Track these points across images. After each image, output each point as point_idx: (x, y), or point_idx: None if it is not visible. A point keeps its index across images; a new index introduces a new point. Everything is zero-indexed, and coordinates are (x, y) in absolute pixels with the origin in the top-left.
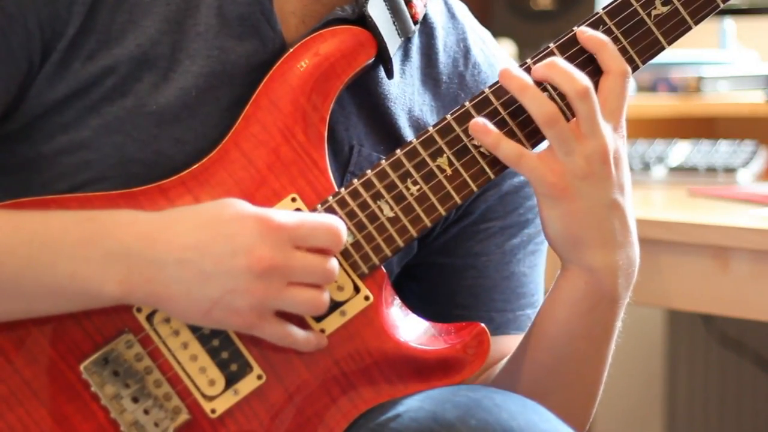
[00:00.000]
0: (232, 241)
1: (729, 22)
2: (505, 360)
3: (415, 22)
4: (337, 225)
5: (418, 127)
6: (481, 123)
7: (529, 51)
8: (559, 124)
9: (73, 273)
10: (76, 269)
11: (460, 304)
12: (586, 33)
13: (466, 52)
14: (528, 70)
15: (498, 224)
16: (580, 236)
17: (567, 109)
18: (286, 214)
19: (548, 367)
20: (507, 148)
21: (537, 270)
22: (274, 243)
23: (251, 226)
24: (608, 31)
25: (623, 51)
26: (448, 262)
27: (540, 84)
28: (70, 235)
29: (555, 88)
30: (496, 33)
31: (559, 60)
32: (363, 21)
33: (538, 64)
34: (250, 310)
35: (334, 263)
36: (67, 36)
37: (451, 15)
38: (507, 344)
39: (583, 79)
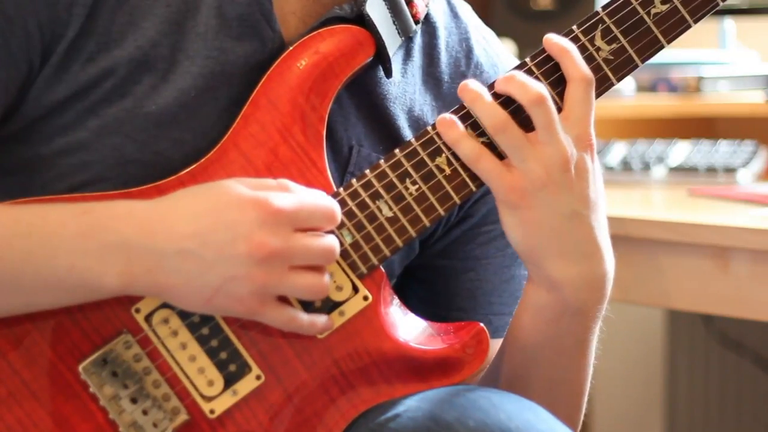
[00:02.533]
0: (231, 228)
1: (729, 22)
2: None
3: (417, 22)
4: (332, 204)
5: (418, 126)
6: (448, 118)
7: (529, 51)
8: (508, 131)
9: (72, 266)
10: (75, 262)
11: (459, 306)
12: (550, 40)
13: (469, 52)
14: (529, 71)
15: (500, 227)
16: (538, 246)
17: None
18: (284, 196)
19: (518, 371)
20: (466, 147)
21: None
22: (273, 228)
23: (250, 212)
24: (607, 30)
25: (623, 50)
26: (448, 265)
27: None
28: (67, 228)
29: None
30: (496, 33)
31: (517, 73)
32: (362, 20)
33: (499, 80)
34: (252, 297)
35: (333, 242)
36: (66, 38)
37: (454, 14)
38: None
39: (536, 87)
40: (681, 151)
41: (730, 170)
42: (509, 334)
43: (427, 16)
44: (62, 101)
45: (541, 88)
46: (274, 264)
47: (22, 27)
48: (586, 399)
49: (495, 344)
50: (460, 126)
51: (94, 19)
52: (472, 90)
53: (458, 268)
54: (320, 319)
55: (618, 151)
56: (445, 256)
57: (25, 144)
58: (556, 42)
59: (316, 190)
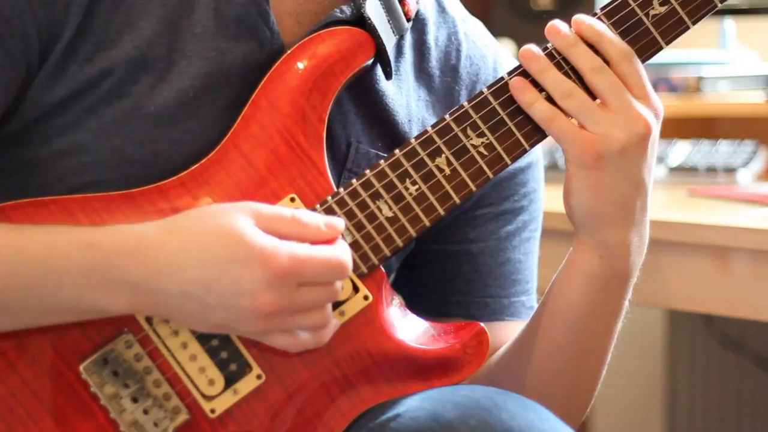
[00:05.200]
0: (236, 283)
1: (729, 22)
2: (503, 347)
3: (408, 20)
4: (343, 258)
5: (415, 122)
6: (521, 81)
7: None
8: (574, 96)
9: (78, 297)
10: (81, 294)
11: (455, 290)
12: (582, 24)
13: (458, 45)
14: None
15: (493, 210)
16: (604, 211)
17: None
18: (293, 251)
19: (560, 345)
20: (541, 109)
21: (531, 257)
22: (279, 288)
23: (257, 269)
24: None
25: None
26: (443, 249)
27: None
28: (73, 262)
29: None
30: (496, 33)
31: (572, 36)
32: (361, 22)
33: (586, 27)
34: (254, 335)
35: (335, 292)
36: (63, 39)
37: (441, 9)
38: (502, 331)
39: (624, 47)
40: (681, 151)
41: (730, 170)
42: (548, 308)
43: (416, 13)
44: (60, 102)
45: (598, 59)
46: (276, 317)
47: (20, 28)
48: (605, 371)
49: (492, 328)
50: (533, 89)
51: (91, 20)
52: (538, 58)
53: (454, 252)
54: (325, 335)
55: None
56: (440, 241)
57: (24, 145)
58: (589, 25)
59: (334, 248)
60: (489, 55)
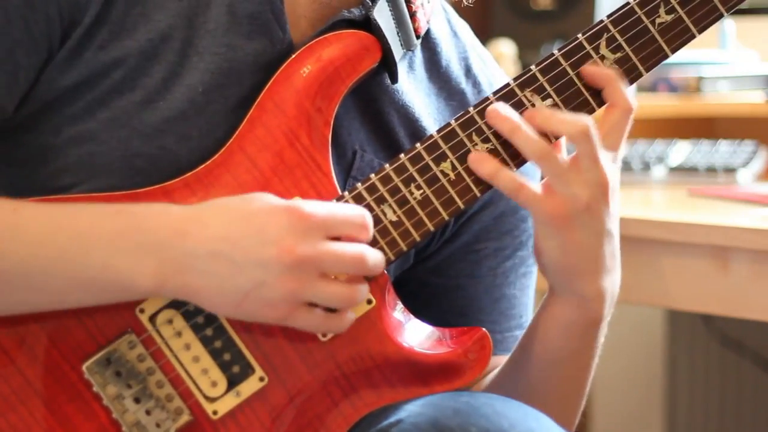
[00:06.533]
0: (262, 232)
1: (729, 22)
2: (489, 378)
3: (417, 37)
4: (365, 215)
5: (419, 137)
6: (481, 154)
7: (529, 51)
8: (551, 159)
9: (105, 264)
10: (109, 260)
11: (449, 323)
12: (591, 69)
13: (468, 70)
14: (533, 78)
15: (492, 245)
16: (576, 265)
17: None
18: (316, 204)
19: (534, 387)
20: (505, 179)
21: (527, 292)
22: (304, 233)
23: (281, 217)
24: (612, 39)
25: (627, 59)
26: (440, 282)
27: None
28: (101, 228)
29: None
30: (496, 33)
31: (552, 111)
32: (368, 25)
33: (533, 115)
34: (282, 302)
35: (364, 249)
36: (83, 25)
37: (454, 33)
38: (493, 365)
39: (580, 120)
40: (681, 151)
41: (730, 170)
42: (525, 353)
43: (428, 32)
44: (73, 88)
45: (585, 120)
46: (304, 270)
47: (44, 12)
48: (584, 401)
49: None
50: (493, 160)
51: (110, 8)
52: (508, 119)
53: (450, 286)
54: (350, 317)
55: None
56: (438, 274)
57: (33, 133)
58: (598, 69)
59: (354, 205)
60: (495, 84)
